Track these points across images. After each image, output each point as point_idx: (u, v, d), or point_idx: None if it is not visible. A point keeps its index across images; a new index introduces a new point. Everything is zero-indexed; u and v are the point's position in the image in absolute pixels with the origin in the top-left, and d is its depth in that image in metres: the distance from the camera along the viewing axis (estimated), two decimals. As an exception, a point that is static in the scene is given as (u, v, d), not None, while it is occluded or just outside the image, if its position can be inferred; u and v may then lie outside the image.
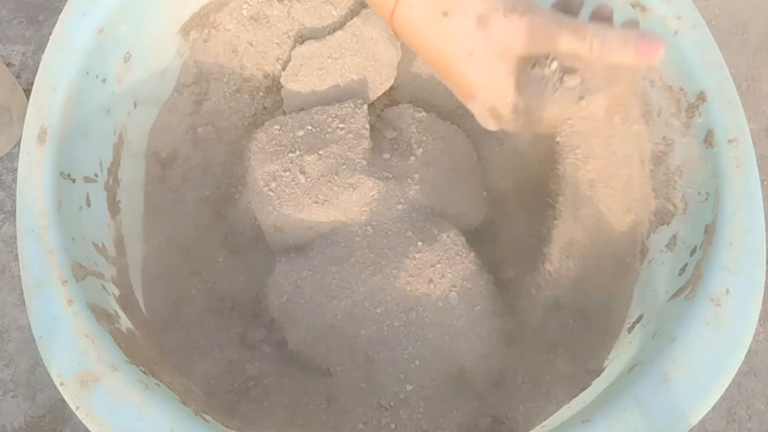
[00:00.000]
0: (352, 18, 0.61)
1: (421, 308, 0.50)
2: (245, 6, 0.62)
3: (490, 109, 0.42)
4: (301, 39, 0.62)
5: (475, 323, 0.50)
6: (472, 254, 0.53)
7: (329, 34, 0.60)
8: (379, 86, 0.60)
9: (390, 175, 0.55)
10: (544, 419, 0.49)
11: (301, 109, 0.59)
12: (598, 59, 0.39)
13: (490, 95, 0.41)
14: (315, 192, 0.53)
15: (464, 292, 0.51)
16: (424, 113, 0.60)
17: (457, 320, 0.50)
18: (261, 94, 0.63)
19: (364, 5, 0.62)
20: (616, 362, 0.49)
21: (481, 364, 0.52)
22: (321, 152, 0.54)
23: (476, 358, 0.51)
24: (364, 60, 0.59)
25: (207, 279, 0.55)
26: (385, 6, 0.41)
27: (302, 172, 0.53)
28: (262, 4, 0.62)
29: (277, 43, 0.63)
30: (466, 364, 0.50)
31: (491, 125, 0.44)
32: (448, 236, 0.53)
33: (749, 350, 0.50)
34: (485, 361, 0.52)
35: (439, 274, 0.51)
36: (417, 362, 0.49)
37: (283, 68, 0.61)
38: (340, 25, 0.61)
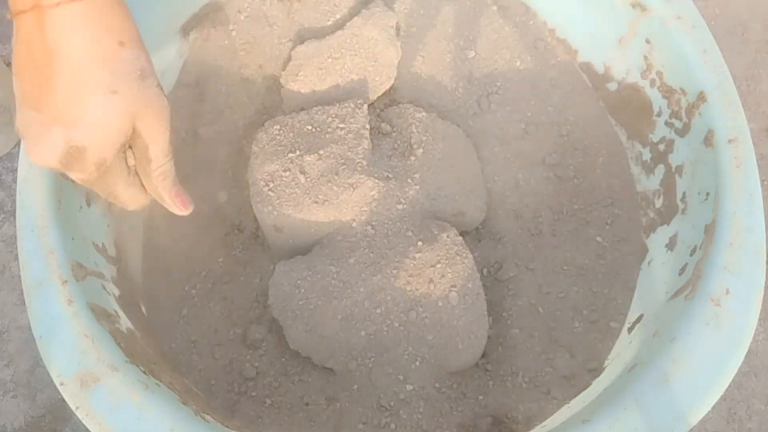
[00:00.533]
0: (352, 18, 0.61)
1: (421, 308, 0.50)
2: (245, 5, 0.62)
3: (74, 149, 0.40)
4: (301, 39, 0.62)
5: (474, 323, 0.50)
6: (472, 254, 0.53)
7: (329, 34, 0.60)
8: (379, 86, 0.60)
9: (390, 175, 0.55)
10: (544, 419, 0.49)
11: (301, 109, 0.59)
12: (155, 177, 0.43)
13: (91, 137, 0.40)
14: (315, 192, 0.53)
15: (464, 292, 0.51)
16: (424, 113, 0.60)
17: (456, 320, 0.50)
18: (261, 94, 0.62)
19: (364, 5, 0.62)
20: (616, 362, 0.49)
21: (480, 362, 0.52)
22: (321, 152, 0.54)
23: (476, 358, 0.51)
24: (364, 60, 0.59)
25: (207, 279, 0.55)
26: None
27: (302, 172, 0.53)
28: (262, 4, 0.62)
29: (277, 43, 0.63)
30: (465, 363, 0.50)
31: (49, 160, 0.41)
32: (448, 236, 0.53)
33: (749, 350, 0.50)
34: (483, 360, 0.52)
35: (439, 274, 0.51)
36: (417, 362, 0.49)
37: (283, 68, 0.61)
38: (340, 25, 0.61)
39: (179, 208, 0.45)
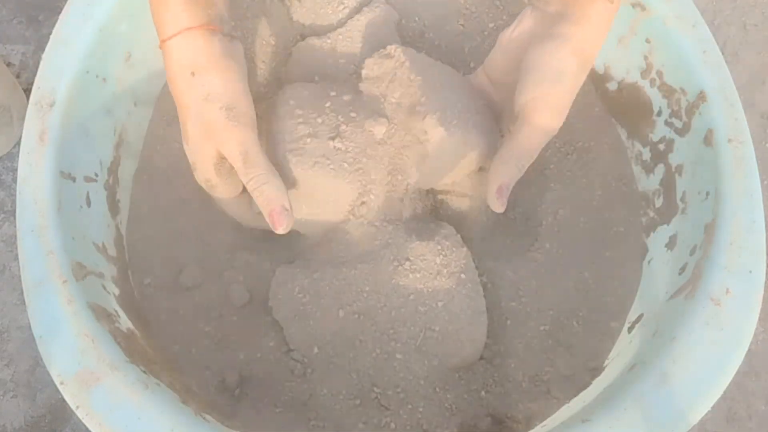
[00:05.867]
0: (353, 16, 0.61)
1: (421, 306, 0.50)
2: (245, 5, 0.62)
3: (192, 163, 0.49)
4: (302, 38, 0.62)
5: (474, 318, 0.50)
6: (470, 252, 0.53)
7: (331, 31, 0.60)
8: (379, 85, 0.60)
9: (388, 175, 0.55)
10: (544, 419, 0.49)
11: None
12: (251, 193, 0.47)
13: (195, 154, 0.48)
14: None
15: (464, 289, 0.51)
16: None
17: (457, 318, 0.50)
18: (261, 93, 0.62)
19: (365, 3, 0.62)
20: (616, 362, 0.49)
21: (480, 360, 0.52)
22: (320, 154, 0.53)
23: (477, 352, 0.51)
24: (365, 56, 0.59)
25: (208, 278, 0.55)
26: (161, 30, 0.46)
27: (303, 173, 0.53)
28: (263, 4, 0.62)
29: (277, 42, 0.62)
30: (466, 358, 0.50)
31: (191, 169, 0.50)
32: (445, 233, 0.53)
33: (749, 350, 0.50)
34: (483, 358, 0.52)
35: (437, 270, 0.51)
36: (418, 361, 0.49)
37: (284, 66, 0.61)
38: (341, 23, 0.61)
39: (273, 227, 0.46)
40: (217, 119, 0.45)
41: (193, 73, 0.45)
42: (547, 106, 0.46)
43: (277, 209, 0.46)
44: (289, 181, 0.51)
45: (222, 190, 0.49)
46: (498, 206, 0.46)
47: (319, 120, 0.52)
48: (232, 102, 0.46)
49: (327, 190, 0.51)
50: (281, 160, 0.51)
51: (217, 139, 0.46)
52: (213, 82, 0.45)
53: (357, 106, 0.54)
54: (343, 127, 0.52)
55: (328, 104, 0.53)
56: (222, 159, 0.48)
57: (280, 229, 0.46)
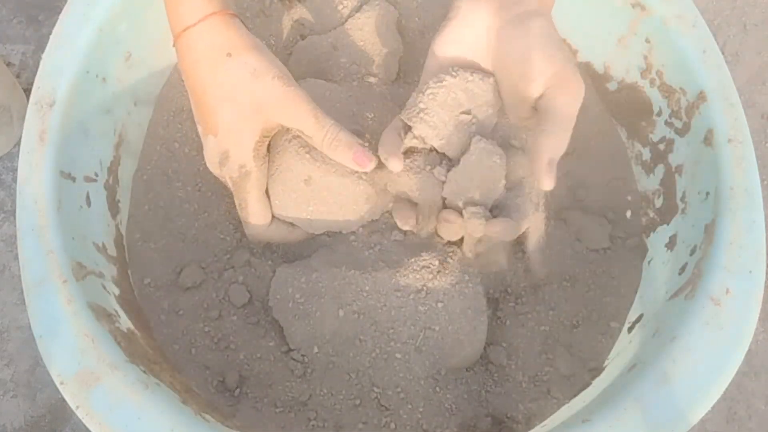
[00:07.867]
0: (353, 15, 0.61)
1: (421, 306, 0.50)
2: (245, 5, 0.62)
3: (223, 152, 0.47)
4: (302, 38, 0.62)
5: (475, 321, 0.50)
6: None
7: (331, 30, 0.60)
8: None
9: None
10: (544, 419, 0.49)
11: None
12: (325, 149, 0.47)
13: (230, 140, 0.46)
14: (317, 193, 0.52)
15: (464, 289, 0.51)
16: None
17: (457, 318, 0.50)
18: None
19: (365, 2, 0.62)
20: (616, 362, 0.50)
21: (480, 360, 0.52)
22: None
23: (477, 352, 0.51)
24: (365, 55, 0.59)
25: (208, 278, 0.55)
26: (180, 21, 0.45)
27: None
28: (263, 4, 0.62)
29: (277, 42, 0.63)
30: (466, 357, 0.50)
31: (214, 166, 0.49)
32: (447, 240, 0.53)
33: (749, 350, 0.50)
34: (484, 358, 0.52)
35: (438, 272, 0.51)
36: (418, 361, 0.49)
37: (285, 64, 0.61)
38: (340, 23, 0.61)
39: (360, 168, 0.47)
40: (273, 89, 0.45)
41: (229, 54, 0.44)
42: (572, 70, 0.43)
43: (359, 149, 0.47)
44: (301, 177, 0.51)
45: (255, 179, 0.48)
46: (549, 182, 0.42)
47: (336, 118, 0.52)
48: (281, 71, 0.46)
49: (338, 191, 0.51)
50: (294, 155, 0.51)
51: (276, 110, 0.46)
52: (255, 58, 0.45)
53: (370, 105, 0.54)
54: (358, 128, 0.52)
55: (343, 102, 0.53)
56: (263, 138, 0.47)
57: (370, 165, 0.47)
